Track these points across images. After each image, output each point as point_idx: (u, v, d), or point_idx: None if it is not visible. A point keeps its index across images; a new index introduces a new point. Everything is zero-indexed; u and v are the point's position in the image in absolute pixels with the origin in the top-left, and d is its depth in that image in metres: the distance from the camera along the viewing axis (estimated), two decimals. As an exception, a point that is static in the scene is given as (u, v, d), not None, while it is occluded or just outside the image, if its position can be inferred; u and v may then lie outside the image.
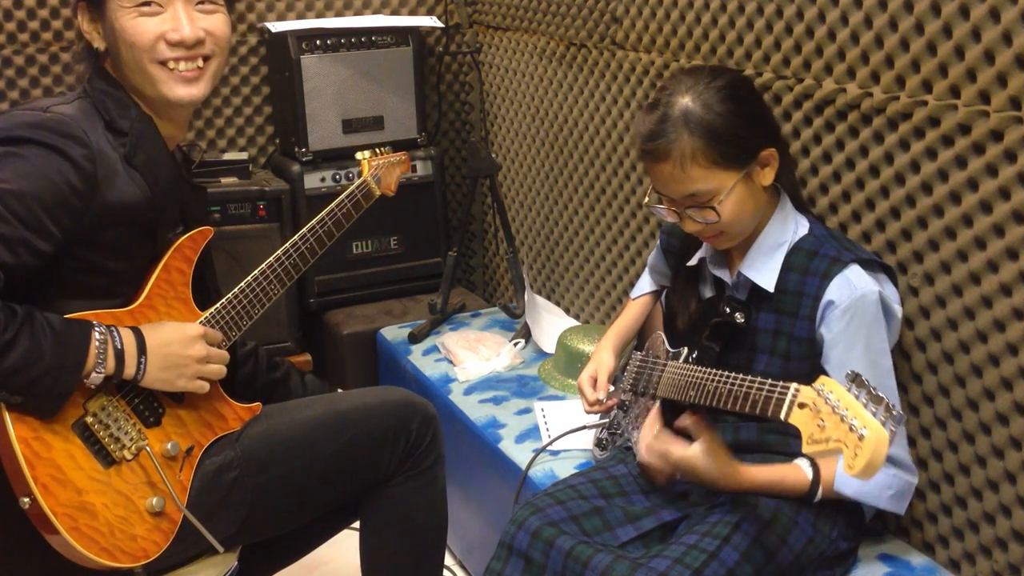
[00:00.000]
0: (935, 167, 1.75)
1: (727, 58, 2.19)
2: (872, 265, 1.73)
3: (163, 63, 1.66)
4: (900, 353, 1.87)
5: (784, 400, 1.41)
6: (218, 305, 1.79)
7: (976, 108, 1.65)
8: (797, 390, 1.40)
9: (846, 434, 1.28)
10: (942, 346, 1.80)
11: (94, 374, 1.56)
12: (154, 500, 1.64)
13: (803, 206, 1.83)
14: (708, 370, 1.61)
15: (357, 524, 2.01)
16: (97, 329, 1.57)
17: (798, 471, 1.67)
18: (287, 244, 1.89)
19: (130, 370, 1.61)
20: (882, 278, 1.74)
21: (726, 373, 1.55)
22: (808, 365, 1.73)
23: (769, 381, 1.46)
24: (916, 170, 1.79)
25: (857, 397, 1.31)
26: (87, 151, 1.57)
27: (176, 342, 1.66)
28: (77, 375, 1.55)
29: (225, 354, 1.76)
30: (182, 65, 1.68)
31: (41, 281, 1.58)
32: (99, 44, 1.69)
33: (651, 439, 1.72)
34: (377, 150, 2.19)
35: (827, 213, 1.99)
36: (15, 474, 1.53)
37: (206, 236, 1.78)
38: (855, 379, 1.33)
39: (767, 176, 1.72)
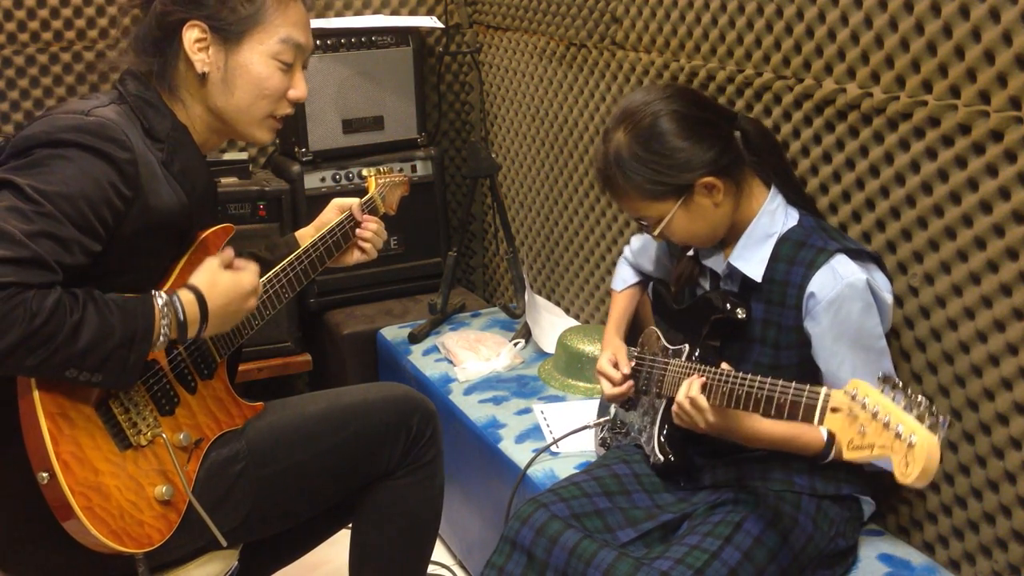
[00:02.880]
0: (935, 167, 1.75)
1: (727, 58, 2.19)
2: (860, 254, 1.72)
3: (272, 114, 1.77)
4: (900, 353, 1.87)
5: (815, 405, 1.40)
6: None
7: (976, 108, 1.66)
8: (828, 395, 1.38)
9: (892, 441, 1.25)
10: (942, 346, 1.80)
11: (160, 340, 1.58)
12: (163, 488, 1.65)
13: (802, 202, 1.81)
14: (721, 371, 1.60)
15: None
16: (159, 297, 1.58)
17: (814, 430, 1.65)
18: (298, 251, 1.94)
19: (191, 335, 1.63)
20: (871, 267, 1.73)
21: (742, 375, 1.55)
22: (797, 355, 1.73)
23: (793, 384, 1.45)
24: (916, 170, 1.79)
25: (893, 399, 1.29)
26: (130, 155, 1.58)
27: (236, 299, 1.69)
28: (148, 342, 1.56)
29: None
30: (280, 117, 1.80)
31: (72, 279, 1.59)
32: (204, 68, 1.69)
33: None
34: (380, 168, 2.26)
35: (827, 213, 1.99)
36: (37, 449, 1.52)
37: (228, 232, 1.80)
38: (886, 380, 1.30)
39: (716, 198, 1.72)
